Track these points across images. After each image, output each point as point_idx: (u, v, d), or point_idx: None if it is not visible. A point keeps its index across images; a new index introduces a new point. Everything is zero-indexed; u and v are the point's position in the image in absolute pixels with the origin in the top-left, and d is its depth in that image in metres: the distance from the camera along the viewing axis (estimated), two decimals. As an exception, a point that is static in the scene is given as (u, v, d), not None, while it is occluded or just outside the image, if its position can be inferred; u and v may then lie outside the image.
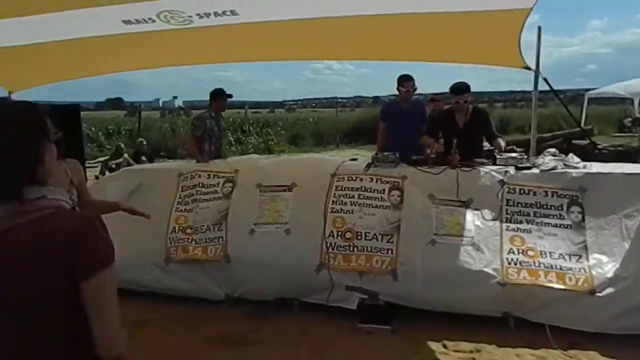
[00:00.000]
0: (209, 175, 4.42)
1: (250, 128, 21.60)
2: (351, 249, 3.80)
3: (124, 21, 3.62)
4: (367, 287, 3.74)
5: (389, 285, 3.68)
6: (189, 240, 4.16)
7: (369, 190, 3.99)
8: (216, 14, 3.41)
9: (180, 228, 4.22)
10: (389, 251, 3.74)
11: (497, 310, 3.53)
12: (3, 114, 1.15)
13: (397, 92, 5.15)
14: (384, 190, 3.97)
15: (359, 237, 3.82)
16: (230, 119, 22.29)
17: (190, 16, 3.51)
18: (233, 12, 3.35)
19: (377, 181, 4.02)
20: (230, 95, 5.57)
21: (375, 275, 3.72)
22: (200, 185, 4.38)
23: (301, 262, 3.83)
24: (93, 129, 20.38)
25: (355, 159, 4.88)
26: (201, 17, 3.50)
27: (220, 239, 4.09)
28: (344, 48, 4.74)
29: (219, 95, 5.44)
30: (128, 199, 4.06)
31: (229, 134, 17.42)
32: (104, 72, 6.19)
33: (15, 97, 7.26)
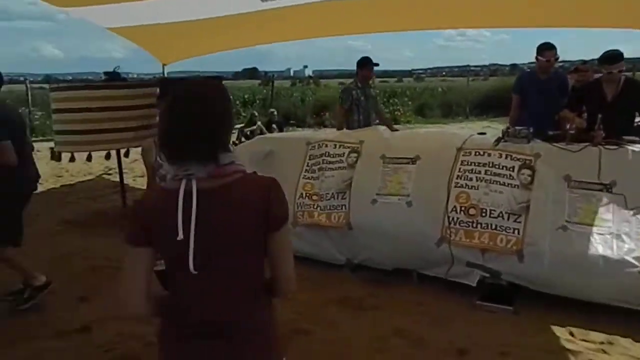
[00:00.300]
0: (335, 145, 4.58)
1: (377, 98, 21.46)
2: (474, 225, 3.72)
3: (261, -1, 3.85)
4: (489, 266, 3.65)
5: (514, 265, 3.55)
6: (314, 207, 4.40)
7: (497, 166, 3.83)
8: (349, -14, 3.46)
9: (307, 194, 4.47)
10: (516, 231, 3.58)
11: (636, 302, 3.23)
12: (209, 90, 1.38)
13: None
14: (513, 167, 3.77)
15: (484, 214, 3.71)
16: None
17: (323, -11, 3.61)
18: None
19: (506, 157, 3.84)
20: (376, 64, 5.58)
21: (499, 254, 3.61)
22: (327, 154, 4.56)
23: (421, 234, 3.85)
24: (231, 97, 21.87)
25: (484, 133, 4.69)
26: (334, -11, 3.58)
27: (344, 207, 4.26)
28: (479, 15, 4.50)
29: (364, 64, 5.47)
30: (261, 165, 4.40)
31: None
32: (243, 45, 6.66)
33: (167, 68, 8.14)
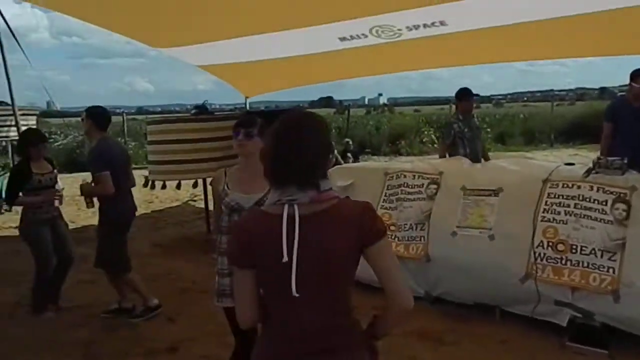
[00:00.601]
0: (414, 175, 4.56)
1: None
2: (564, 262, 3.53)
3: (339, 38, 4.01)
4: (579, 305, 3.44)
5: (608, 306, 3.32)
6: (392, 237, 4.34)
7: (587, 200, 3.63)
8: (425, 26, 3.52)
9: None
10: (610, 270, 3.36)
11: None
12: (312, 122, 1.48)
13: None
14: (606, 201, 3.56)
15: (574, 251, 3.52)
16: (435, 116, 22.07)
17: (399, 29, 3.70)
18: (442, 23, 3.42)
19: (598, 190, 3.63)
20: (476, 94, 5.43)
21: (591, 293, 3.40)
22: (405, 185, 4.55)
23: (505, 269, 3.71)
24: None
25: (572, 164, 4.46)
26: (410, 29, 3.66)
27: (422, 238, 4.21)
28: (559, 47, 4.36)
29: (463, 95, 5.34)
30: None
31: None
32: (322, 81, 6.89)
33: (250, 101, 8.58)
